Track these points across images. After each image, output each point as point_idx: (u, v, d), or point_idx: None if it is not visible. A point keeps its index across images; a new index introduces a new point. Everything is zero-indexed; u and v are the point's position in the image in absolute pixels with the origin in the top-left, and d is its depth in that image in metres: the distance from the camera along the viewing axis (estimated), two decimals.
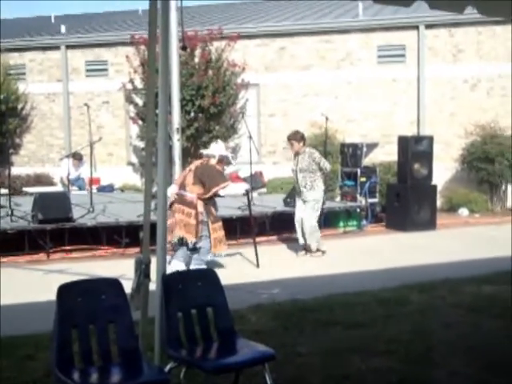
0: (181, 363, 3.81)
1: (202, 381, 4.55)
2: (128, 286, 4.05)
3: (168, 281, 4.05)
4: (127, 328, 3.77)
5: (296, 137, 9.79)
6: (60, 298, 3.62)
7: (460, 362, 5.08)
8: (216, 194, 8.56)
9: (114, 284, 3.84)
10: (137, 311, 4.11)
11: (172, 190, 8.45)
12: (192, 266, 8.34)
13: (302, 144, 9.80)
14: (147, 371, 3.67)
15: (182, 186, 8.55)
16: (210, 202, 8.54)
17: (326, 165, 9.78)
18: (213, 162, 8.61)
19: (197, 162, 8.77)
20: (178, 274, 4.15)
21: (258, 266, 9.01)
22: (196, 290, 4.15)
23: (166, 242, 4.10)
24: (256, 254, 9.06)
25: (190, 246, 8.36)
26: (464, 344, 5.49)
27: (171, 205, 8.42)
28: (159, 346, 4.07)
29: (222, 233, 8.67)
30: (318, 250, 9.85)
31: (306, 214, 9.67)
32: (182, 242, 8.36)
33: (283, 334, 5.79)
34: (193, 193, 8.41)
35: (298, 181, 9.79)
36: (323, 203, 10.10)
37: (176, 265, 8.22)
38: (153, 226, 4.08)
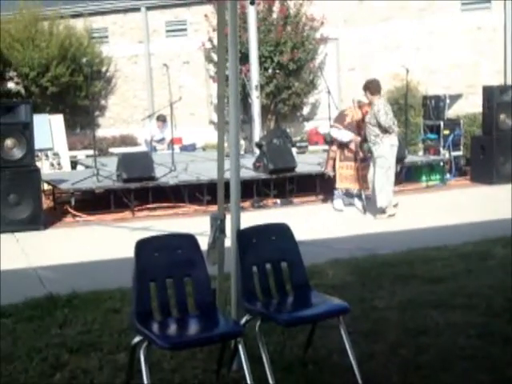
0: (256, 316, 3.88)
1: (279, 334, 4.65)
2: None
3: (243, 236, 4.10)
4: (203, 282, 3.86)
5: (365, 87, 9.23)
6: (138, 253, 3.74)
7: None
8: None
9: (189, 239, 3.93)
10: (213, 266, 4.21)
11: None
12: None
13: (368, 94, 9.15)
14: (222, 323, 3.77)
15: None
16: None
17: (380, 118, 8.86)
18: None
19: None
20: (252, 228, 4.19)
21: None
22: (270, 244, 4.19)
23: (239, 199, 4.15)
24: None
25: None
26: None
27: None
28: (235, 299, 4.15)
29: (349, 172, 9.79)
30: (383, 212, 9.17)
31: (371, 172, 9.26)
32: None
33: (360, 288, 5.79)
34: None
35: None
36: (400, 160, 9.74)
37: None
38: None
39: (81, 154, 13.74)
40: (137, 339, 3.63)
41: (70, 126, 14.68)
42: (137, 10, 17.22)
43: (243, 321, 3.92)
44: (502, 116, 11.84)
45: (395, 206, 9.32)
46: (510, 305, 5.19)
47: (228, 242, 4.17)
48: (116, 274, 6.29)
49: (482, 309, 5.11)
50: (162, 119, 13.98)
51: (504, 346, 4.39)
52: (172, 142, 11.86)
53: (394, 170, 9.28)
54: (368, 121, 9.14)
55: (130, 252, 3.81)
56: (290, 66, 14.89)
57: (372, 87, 9.16)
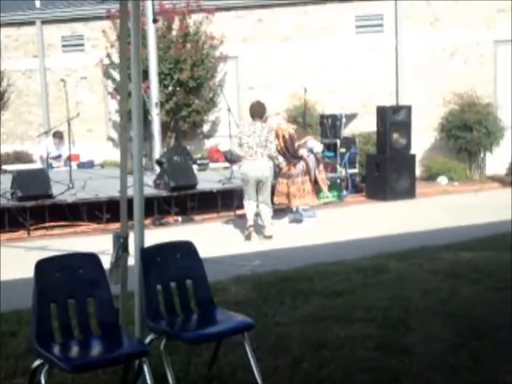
0: (161, 335, 3.85)
1: (183, 352, 4.62)
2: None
3: (146, 254, 4.07)
4: (106, 302, 3.80)
5: None
6: (38, 273, 3.64)
7: (437, 326, 5.18)
8: None
9: (91, 258, 3.87)
10: (116, 285, 4.14)
11: None
12: None
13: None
14: (127, 343, 3.72)
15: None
16: None
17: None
18: None
19: None
20: (156, 246, 4.17)
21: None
22: (175, 262, 4.18)
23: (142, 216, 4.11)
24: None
25: None
26: (441, 309, 5.59)
27: None
28: (139, 318, 4.10)
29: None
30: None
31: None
32: None
33: (263, 304, 5.86)
34: None
35: None
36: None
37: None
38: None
39: None
40: (37, 362, 3.53)
41: None
42: (32, 23, 16.77)
43: (148, 340, 3.89)
44: (395, 135, 12.36)
45: (268, 237, 9.05)
46: (406, 316, 5.40)
47: (131, 260, 4.13)
48: (12, 296, 6.08)
49: (379, 321, 5.29)
50: (58, 136, 13.64)
51: (400, 356, 4.56)
52: (69, 159, 11.60)
53: (254, 193, 8.98)
54: None
55: (25, 273, 3.70)
56: (189, 83, 14.92)
57: (250, 112, 9.33)
